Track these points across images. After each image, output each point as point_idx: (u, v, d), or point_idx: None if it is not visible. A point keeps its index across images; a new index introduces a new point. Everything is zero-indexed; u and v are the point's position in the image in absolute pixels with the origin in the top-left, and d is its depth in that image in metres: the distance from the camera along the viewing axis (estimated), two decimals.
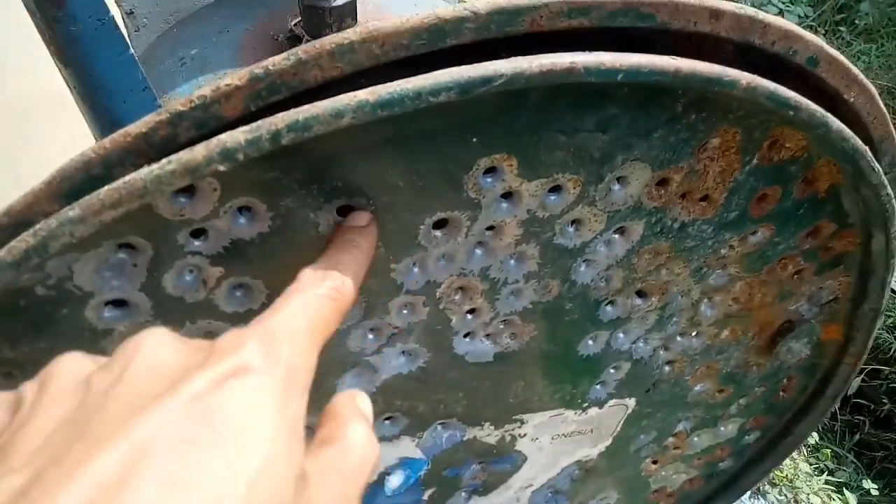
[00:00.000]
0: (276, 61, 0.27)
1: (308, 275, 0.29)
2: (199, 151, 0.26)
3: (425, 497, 0.58)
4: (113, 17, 0.36)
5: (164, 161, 0.27)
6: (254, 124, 0.27)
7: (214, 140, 0.27)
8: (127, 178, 0.26)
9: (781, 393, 0.68)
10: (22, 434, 0.20)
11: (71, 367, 0.24)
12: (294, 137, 0.27)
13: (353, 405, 0.28)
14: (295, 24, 0.52)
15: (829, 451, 1.67)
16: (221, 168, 0.27)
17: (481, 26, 0.29)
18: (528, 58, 0.29)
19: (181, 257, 0.33)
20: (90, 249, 0.30)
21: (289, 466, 0.21)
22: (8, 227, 0.27)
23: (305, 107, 0.27)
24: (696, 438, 0.69)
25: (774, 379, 0.65)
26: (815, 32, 3.80)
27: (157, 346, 0.23)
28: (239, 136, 0.27)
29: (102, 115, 0.40)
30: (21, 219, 0.27)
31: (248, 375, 0.22)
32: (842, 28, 3.88)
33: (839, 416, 2.51)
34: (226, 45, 0.54)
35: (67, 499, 0.17)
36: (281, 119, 0.27)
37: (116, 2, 0.73)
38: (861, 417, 2.53)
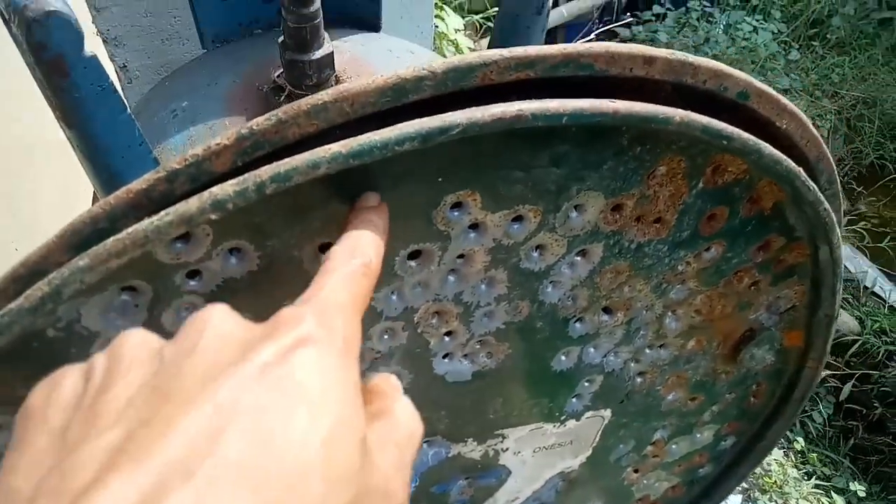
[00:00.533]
0: (260, 122, 0.31)
1: (338, 253, 0.31)
2: (193, 203, 0.30)
3: None
4: (112, 83, 0.40)
5: (162, 213, 0.30)
6: (241, 177, 0.31)
7: (206, 193, 0.30)
8: (130, 229, 0.30)
9: (752, 398, 0.71)
10: (105, 398, 0.22)
11: (140, 340, 0.26)
12: (277, 187, 0.31)
13: (394, 384, 0.30)
14: (278, 76, 0.56)
15: (815, 455, 1.70)
16: (213, 217, 0.30)
17: (438, 83, 0.33)
18: (482, 108, 0.33)
19: (178, 297, 0.36)
20: (97, 293, 0.34)
21: (356, 429, 0.23)
22: (25, 277, 0.31)
23: (286, 160, 0.31)
24: (674, 446, 0.72)
25: (743, 385, 0.68)
26: (790, 48, 3.89)
27: (222, 320, 0.25)
28: (228, 188, 0.30)
29: (103, 170, 0.43)
30: (36, 269, 0.31)
31: (311, 346, 0.23)
32: (815, 42, 3.99)
33: (832, 422, 2.54)
34: (214, 97, 0.58)
35: (164, 455, 0.19)
36: (265, 172, 0.30)
37: (109, 56, 0.77)
38: (854, 422, 2.56)
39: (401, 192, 0.37)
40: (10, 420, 0.37)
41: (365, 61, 0.61)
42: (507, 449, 0.59)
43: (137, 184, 0.31)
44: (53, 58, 0.36)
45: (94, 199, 0.73)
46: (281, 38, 0.52)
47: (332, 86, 0.56)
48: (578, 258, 0.47)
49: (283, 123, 0.31)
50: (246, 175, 0.31)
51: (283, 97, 0.55)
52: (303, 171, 0.31)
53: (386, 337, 0.45)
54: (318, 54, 0.51)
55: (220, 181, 0.31)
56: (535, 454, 0.61)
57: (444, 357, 0.49)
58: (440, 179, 0.37)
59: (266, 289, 0.38)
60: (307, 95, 0.56)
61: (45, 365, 0.35)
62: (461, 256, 0.43)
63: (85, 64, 0.38)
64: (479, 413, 0.54)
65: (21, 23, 0.35)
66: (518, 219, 0.42)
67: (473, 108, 0.33)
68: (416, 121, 0.32)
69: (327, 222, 0.36)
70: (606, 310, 0.53)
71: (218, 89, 0.59)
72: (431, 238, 0.40)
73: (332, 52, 0.52)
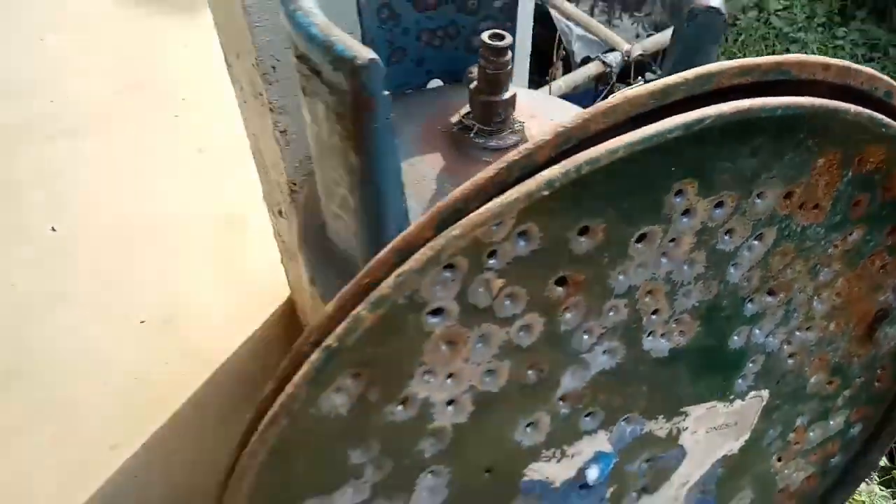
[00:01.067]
0: (569, 123, 0.41)
1: None
2: (528, 184, 0.40)
3: (608, 495, 0.67)
4: (393, 117, 0.51)
5: (509, 192, 0.40)
6: (562, 163, 0.40)
7: (539, 175, 0.40)
8: (489, 205, 0.39)
9: (877, 382, 0.78)
10: None
11: None
12: (589, 169, 0.40)
13: None
14: (464, 116, 0.67)
15: None
16: (545, 193, 0.40)
17: (689, 87, 0.43)
18: (723, 104, 0.43)
19: (481, 272, 0.45)
20: (433, 268, 0.43)
21: None
22: (403, 250, 0.40)
23: (592, 148, 0.41)
24: (811, 434, 0.79)
25: (871, 368, 0.76)
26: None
27: None
28: (555, 171, 0.40)
29: (373, 186, 0.53)
30: (412, 242, 0.40)
31: None
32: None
33: None
34: (404, 141, 0.69)
35: None
36: (581, 157, 0.40)
37: (273, 123, 0.88)
38: None
39: (645, 180, 0.47)
40: (348, 383, 0.45)
41: (525, 104, 0.72)
42: (686, 428, 0.66)
43: (485, 173, 0.40)
44: (368, 96, 0.47)
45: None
46: (474, 85, 0.63)
47: (513, 122, 0.67)
48: (756, 242, 0.56)
49: (588, 122, 0.41)
50: (565, 161, 0.40)
51: (472, 133, 0.65)
52: (606, 155, 0.41)
53: (611, 314, 0.53)
54: (506, 95, 0.63)
55: (540, 170, 0.41)
56: (707, 434, 0.68)
57: (649, 335, 0.57)
58: (673, 169, 0.47)
59: (540, 267, 0.47)
60: (494, 131, 0.67)
61: (390, 330, 0.44)
62: (673, 240, 0.52)
63: (384, 101, 0.48)
64: (670, 389, 0.61)
65: (348, 69, 0.46)
66: (720, 204, 0.52)
67: (718, 105, 0.43)
68: (679, 115, 0.42)
69: (593, 206, 0.46)
70: (770, 292, 0.61)
71: (405, 136, 0.70)
72: (659, 221, 0.50)
73: (515, 94, 0.64)
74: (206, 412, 1.36)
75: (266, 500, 0.47)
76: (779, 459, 0.79)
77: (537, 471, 0.60)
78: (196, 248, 1.72)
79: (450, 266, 0.44)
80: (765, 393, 0.69)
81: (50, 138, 2.16)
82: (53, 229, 1.82)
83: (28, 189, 1.95)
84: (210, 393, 1.39)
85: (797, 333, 0.67)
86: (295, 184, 0.93)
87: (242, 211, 1.79)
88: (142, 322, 1.53)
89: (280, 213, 1.10)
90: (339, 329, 0.40)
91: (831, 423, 0.79)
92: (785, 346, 0.67)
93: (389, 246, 0.40)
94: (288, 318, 1.52)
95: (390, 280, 0.39)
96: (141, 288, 1.62)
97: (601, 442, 0.61)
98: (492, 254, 0.45)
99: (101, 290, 1.62)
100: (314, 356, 0.40)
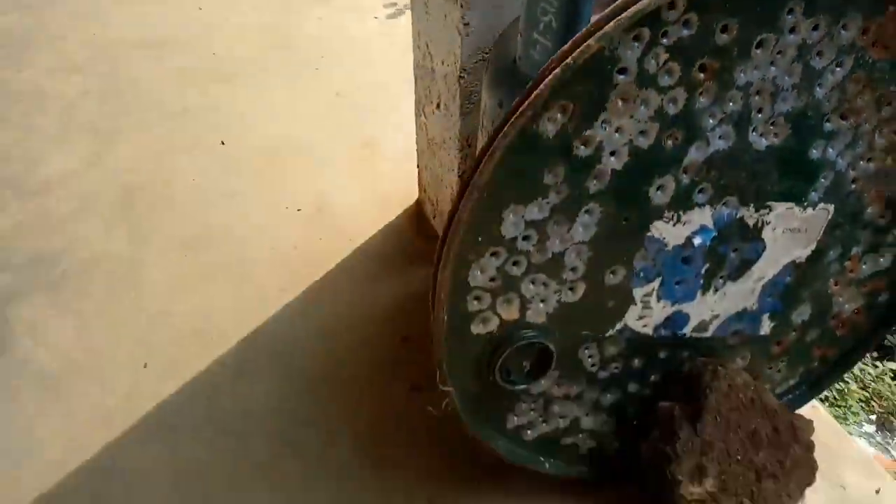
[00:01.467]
0: None
1: None
2: None
3: (703, 271, 0.86)
4: None
5: None
6: None
7: None
8: None
9: None
10: None
11: None
12: None
13: None
14: None
15: None
16: None
17: None
18: None
19: (656, 46, 0.65)
20: (628, 33, 0.63)
21: None
22: (620, 10, 0.60)
23: None
24: (863, 265, 0.95)
25: None
26: None
27: None
28: None
29: (577, 7, 0.74)
30: (626, 4, 0.61)
31: None
32: None
33: None
34: None
35: None
36: None
37: (461, 17, 1.10)
38: None
39: None
40: (557, 116, 0.65)
41: None
42: (769, 223, 0.84)
43: None
44: None
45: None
46: None
47: None
48: (838, 68, 0.74)
49: None
50: None
51: None
52: None
53: (731, 104, 0.73)
54: None
55: None
56: (783, 234, 0.86)
57: (753, 130, 0.76)
58: None
59: (690, 50, 0.67)
60: None
61: (597, 79, 0.64)
62: (780, 52, 0.71)
63: None
64: (762, 182, 0.80)
65: None
66: (816, 27, 0.70)
67: None
68: None
69: (734, 5, 0.65)
70: (843, 116, 0.79)
71: None
72: (774, 31, 0.69)
73: None
74: (350, 275, 1.61)
75: (496, 186, 0.68)
76: (835, 283, 0.96)
77: (659, 229, 0.80)
78: (339, 162, 1.97)
79: (637, 38, 0.64)
80: (831, 208, 0.86)
81: (213, 81, 2.46)
82: (223, 143, 2.11)
83: (199, 114, 2.25)
84: (354, 261, 1.63)
85: (861, 163, 0.84)
86: (465, 69, 1.15)
87: (377, 136, 2.04)
88: (298, 210, 1.78)
89: (438, 106, 1.32)
90: (575, 53, 0.61)
91: (881, 259, 0.95)
92: (850, 171, 0.84)
93: (613, 6, 0.61)
94: (415, 215, 1.75)
95: (612, 23, 0.60)
96: (294, 187, 1.88)
97: (706, 216, 0.80)
98: (664, 33, 0.65)
99: (264, 187, 1.89)
100: (557, 70, 0.61)
